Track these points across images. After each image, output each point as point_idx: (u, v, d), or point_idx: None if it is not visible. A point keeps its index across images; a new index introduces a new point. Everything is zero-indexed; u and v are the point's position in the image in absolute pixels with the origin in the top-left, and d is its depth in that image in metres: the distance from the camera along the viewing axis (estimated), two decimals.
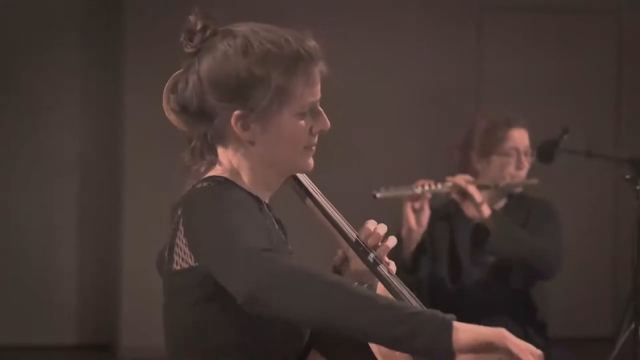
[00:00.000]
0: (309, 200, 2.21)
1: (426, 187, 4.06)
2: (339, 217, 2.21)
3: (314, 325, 1.94)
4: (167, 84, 2.23)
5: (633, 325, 3.05)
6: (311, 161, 2.17)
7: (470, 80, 7.61)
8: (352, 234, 2.21)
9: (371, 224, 2.24)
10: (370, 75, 7.26)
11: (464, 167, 4.29)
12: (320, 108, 2.16)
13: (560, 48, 7.69)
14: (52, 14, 7.33)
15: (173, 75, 2.22)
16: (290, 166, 2.16)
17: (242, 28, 2.15)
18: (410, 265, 4.08)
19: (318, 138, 2.18)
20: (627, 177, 3.23)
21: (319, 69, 2.14)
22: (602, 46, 7.78)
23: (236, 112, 2.09)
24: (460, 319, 1.87)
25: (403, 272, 3.96)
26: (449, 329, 1.82)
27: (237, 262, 1.90)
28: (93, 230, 7.45)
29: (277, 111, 2.09)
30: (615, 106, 7.82)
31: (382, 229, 2.24)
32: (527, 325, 4.17)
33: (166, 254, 2.10)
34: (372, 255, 2.20)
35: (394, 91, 7.36)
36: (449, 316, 1.85)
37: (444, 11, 7.54)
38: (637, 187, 3.17)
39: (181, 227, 2.05)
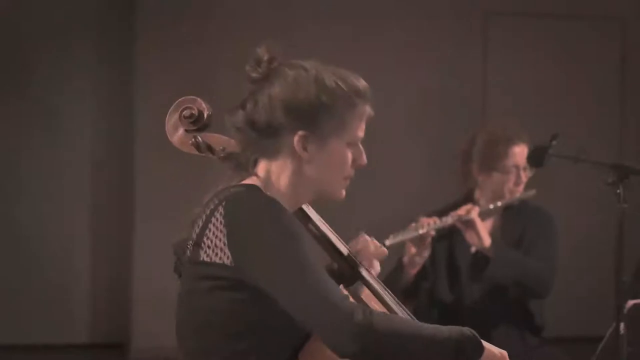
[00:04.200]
0: (310, 225, 2.46)
1: (430, 224, 4.17)
2: (332, 234, 2.47)
3: None
4: (178, 111, 2.48)
5: (615, 323, 3.17)
6: (344, 192, 2.42)
7: (475, 85, 7.67)
8: (344, 249, 2.47)
9: (366, 237, 2.54)
10: (374, 79, 7.29)
11: (465, 178, 4.42)
12: (361, 145, 2.43)
13: (564, 54, 7.75)
14: (65, 14, 7.40)
15: (181, 103, 2.47)
16: (330, 191, 2.40)
17: (310, 63, 2.39)
18: (411, 291, 4.23)
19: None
20: (609, 181, 3.36)
21: (369, 109, 2.42)
22: (606, 52, 7.84)
23: (300, 132, 2.33)
24: (460, 323, 2.16)
25: (403, 296, 4.14)
26: (481, 345, 2.25)
27: (336, 322, 2.14)
28: (105, 233, 7.55)
29: (334, 138, 2.36)
30: (619, 112, 7.89)
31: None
32: (524, 329, 4.31)
33: (190, 244, 2.31)
34: (361, 267, 2.46)
35: (398, 96, 7.42)
36: (473, 332, 2.24)
37: (449, 17, 7.61)
38: (618, 191, 3.30)
39: (220, 226, 2.25)
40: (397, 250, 4.18)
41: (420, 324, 2.25)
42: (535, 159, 3.95)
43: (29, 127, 7.38)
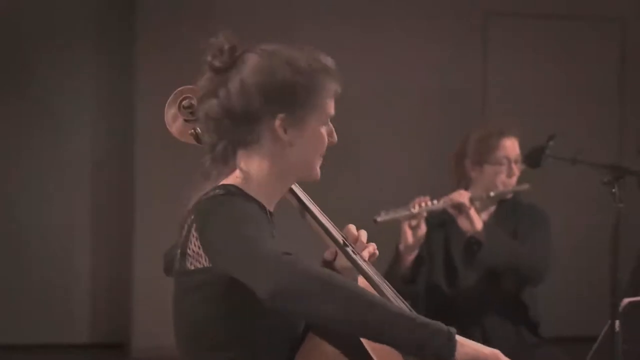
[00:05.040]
0: (307, 214, 2.44)
1: (422, 205, 4.22)
2: (329, 223, 2.45)
3: (330, 324, 2.09)
4: (177, 101, 2.45)
5: (610, 321, 3.17)
6: (319, 171, 2.38)
7: (475, 85, 7.68)
8: (340, 237, 2.45)
9: (353, 229, 2.52)
10: (375, 79, 7.33)
11: (459, 175, 4.46)
12: (330, 124, 2.39)
13: (564, 54, 7.76)
14: (65, 14, 7.42)
15: (180, 93, 2.45)
16: (309, 172, 2.37)
17: (272, 46, 2.35)
18: (409, 277, 4.26)
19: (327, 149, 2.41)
20: (605, 180, 3.37)
21: (338, 87, 2.37)
22: (605, 52, 7.86)
23: (281, 115, 2.30)
24: (455, 320, 2.12)
25: (402, 283, 4.18)
26: (454, 342, 2.05)
27: (260, 264, 2.07)
28: (106, 233, 7.56)
29: (310, 117, 2.32)
30: (619, 112, 7.89)
31: (363, 235, 2.53)
32: (519, 325, 4.34)
33: (178, 254, 2.30)
34: (357, 255, 2.44)
35: (398, 96, 7.44)
36: (452, 329, 2.06)
37: (449, 17, 7.62)
38: (613, 191, 3.31)
39: (194, 232, 2.25)
40: (395, 239, 4.21)
41: (380, 298, 2.15)
42: (532, 159, 3.96)
43: (29, 127, 7.38)
